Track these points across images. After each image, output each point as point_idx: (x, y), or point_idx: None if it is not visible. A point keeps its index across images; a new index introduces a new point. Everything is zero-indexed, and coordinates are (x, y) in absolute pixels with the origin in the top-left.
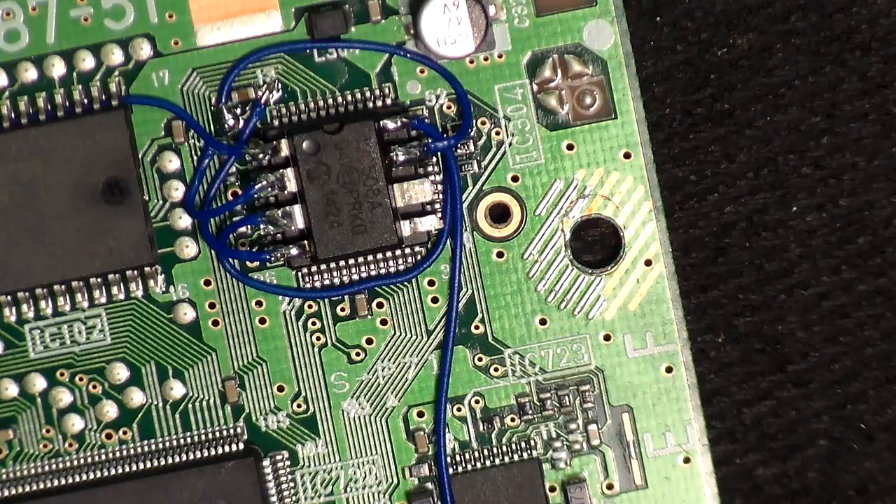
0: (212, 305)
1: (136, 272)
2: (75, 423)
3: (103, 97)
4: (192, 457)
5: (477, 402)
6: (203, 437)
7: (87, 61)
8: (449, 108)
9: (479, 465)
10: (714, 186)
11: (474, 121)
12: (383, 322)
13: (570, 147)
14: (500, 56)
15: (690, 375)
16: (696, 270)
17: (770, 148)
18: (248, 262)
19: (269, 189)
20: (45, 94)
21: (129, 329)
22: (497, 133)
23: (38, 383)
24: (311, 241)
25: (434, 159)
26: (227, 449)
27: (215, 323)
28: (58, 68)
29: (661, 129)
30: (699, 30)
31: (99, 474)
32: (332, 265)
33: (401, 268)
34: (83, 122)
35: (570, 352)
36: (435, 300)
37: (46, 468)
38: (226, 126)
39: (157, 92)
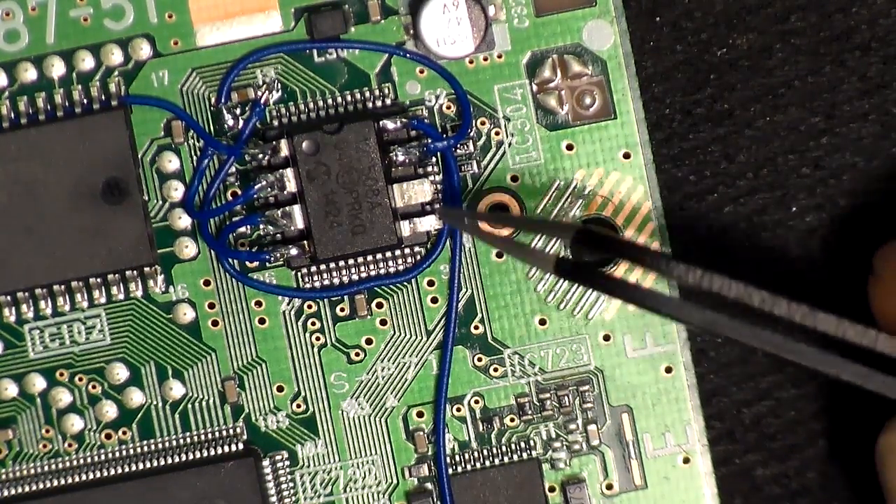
0: (211, 305)
1: (135, 272)
2: (75, 423)
3: (103, 97)
4: (191, 457)
5: (476, 402)
6: (203, 437)
7: (86, 61)
8: (448, 108)
9: (478, 465)
10: (714, 186)
11: (474, 121)
12: (383, 322)
13: (569, 147)
14: (499, 56)
15: (690, 375)
16: None
17: (770, 148)
18: (247, 263)
19: (269, 189)
20: (45, 95)
21: (128, 329)
22: (497, 133)
23: (38, 383)
24: (310, 241)
25: (434, 159)
26: (226, 449)
27: (215, 323)
28: (57, 68)
29: (660, 129)
30: (699, 30)
31: (99, 474)
32: (332, 265)
33: (400, 268)
34: (83, 122)
35: (569, 352)
36: (434, 300)
37: (46, 468)
38: (225, 126)
39: (157, 92)
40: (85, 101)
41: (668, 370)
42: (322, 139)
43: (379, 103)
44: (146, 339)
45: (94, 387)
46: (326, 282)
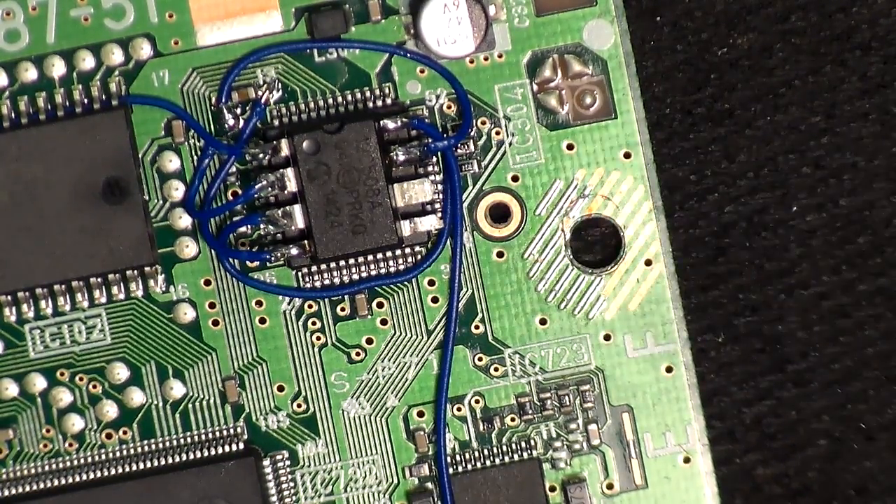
0: (212, 305)
1: (136, 272)
2: (75, 422)
3: (103, 97)
4: (192, 457)
5: (477, 401)
6: (203, 437)
7: (87, 61)
8: (449, 107)
9: (479, 464)
10: (714, 186)
11: (474, 121)
12: (383, 322)
13: (570, 147)
14: (500, 56)
15: (690, 375)
16: (696, 270)
17: (770, 148)
18: (248, 262)
19: (269, 189)
20: (45, 94)
21: (129, 329)
22: (497, 133)
23: (38, 383)
24: (311, 240)
25: (434, 159)
26: (227, 449)
27: (215, 323)
28: (58, 68)
29: (661, 128)
30: (699, 30)
31: (99, 474)
32: (332, 265)
33: (401, 268)
34: (83, 122)
35: (570, 352)
36: (435, 300)
37: (46, 468)
38: (226, 126)
39: (157, 92)
40: (85, 100)
41: (669, 370)
42: (322, 139)
43: (379, 103)
44: (147, 339)
45: (94, 386)
46: (327, 281)
